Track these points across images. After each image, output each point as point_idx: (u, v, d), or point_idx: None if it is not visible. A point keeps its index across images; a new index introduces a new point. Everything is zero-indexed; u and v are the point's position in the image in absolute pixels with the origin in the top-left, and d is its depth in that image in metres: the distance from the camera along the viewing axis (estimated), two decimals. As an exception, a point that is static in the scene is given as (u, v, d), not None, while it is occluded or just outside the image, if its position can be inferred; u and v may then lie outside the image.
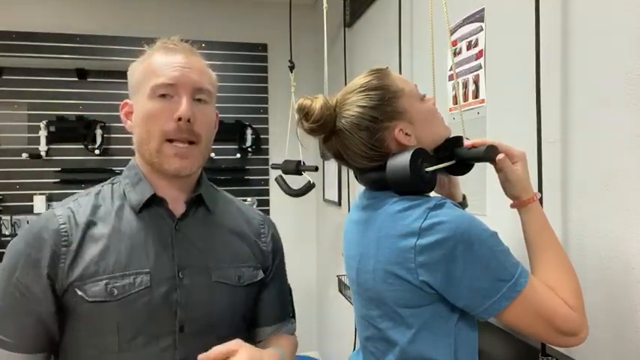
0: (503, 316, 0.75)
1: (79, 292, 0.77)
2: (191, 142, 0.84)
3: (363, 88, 0.86)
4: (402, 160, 0.80)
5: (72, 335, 0.81)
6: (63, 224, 0.80)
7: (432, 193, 0.88)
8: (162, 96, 0.82)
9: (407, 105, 0.85)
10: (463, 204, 1.00)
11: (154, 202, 0.86)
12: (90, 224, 0.82)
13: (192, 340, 0.82)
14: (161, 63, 0.83)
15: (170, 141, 0.82)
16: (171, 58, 0.84)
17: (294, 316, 1.04)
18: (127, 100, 0.88)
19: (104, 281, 0.78)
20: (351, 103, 0.85)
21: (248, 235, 0.95)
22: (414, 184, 0.81)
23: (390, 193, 0.84)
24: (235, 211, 0.97)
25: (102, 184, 0.90)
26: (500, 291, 0.73)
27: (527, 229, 0.83)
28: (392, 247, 0.79)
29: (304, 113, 0.86)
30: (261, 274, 0.94)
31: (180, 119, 0.80)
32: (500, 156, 0.82)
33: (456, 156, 0.89)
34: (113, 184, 0.89)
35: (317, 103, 0.85)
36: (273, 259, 0.99)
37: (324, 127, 0.86)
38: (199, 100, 0.85)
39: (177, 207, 0.87)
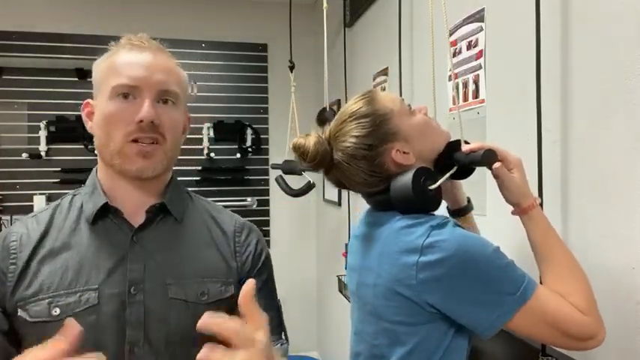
0: (512, 328, 0.75)
1: (21, 313, 0.72)
2: (155, 142, 0.78)
3: (352, 117, 0.86)
4: (405, 183, 0.81)
5: None
6: (13, 241, 0.77)
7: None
8: (125, 97, 0.76)
9: (399, 124, 0.85)
10: (468, 206, 0.99)
11: (110, 212, 0.79)
12: (41, 241, 0.77)
13: None
14: (124, 62, 0.77)
15: (134, 141, 0.76)
16: (135, 56, 0.78)
17: (286, 338, 0.92)
18: (89, 100, 0.83)
19: (47, 300, 0.72)
20: (345, 134, 0.86)
21: (220, 247, 0.86)
22: (422, 204, 0.81)
23: (395, 212, 0.84)
24: (209, 220, 0.88)
25: (65, 195, 0.85)
26: (505, 304, 0.73)
27: (532, 236, 0.82)
28: (394, 263, 0.78)
29: (300, 153, 0.86)
30: (232, 290, 0.82)
31: (141, 121, 0.75)
32: (496, 165, 0.82)
33: (456, 161, 0.89)
34: (74, 195, 0.84)
35: (310, 141, 0.86)
36: (251, 271, 0.87)
37: (323, 163, 0.87)
38: (165, 101, 0.79)
39: (137, 216, 0.80)
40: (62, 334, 0.54)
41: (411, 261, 0.75)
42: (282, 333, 0.91)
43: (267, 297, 0.89)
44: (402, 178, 0.82)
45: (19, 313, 0.73)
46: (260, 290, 0.87)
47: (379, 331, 0.83)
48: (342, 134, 0.86)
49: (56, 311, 0.72)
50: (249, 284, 0.59)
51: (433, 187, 0.82)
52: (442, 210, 0.90)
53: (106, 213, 0.79)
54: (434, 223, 0.77)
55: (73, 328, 0.55)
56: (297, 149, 0.87)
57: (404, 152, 0.84)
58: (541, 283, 0.81)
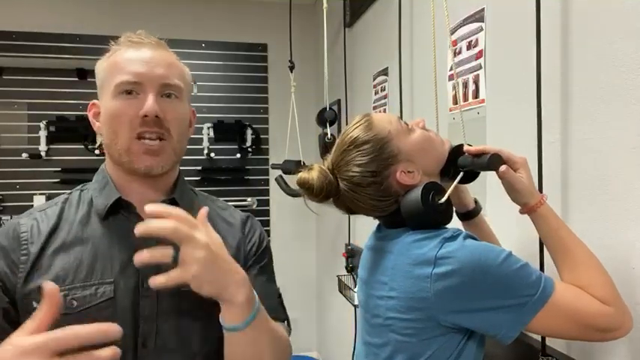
0: (535, 329, 0.75)
1: (36, 305, 0.70)
2: (161, 139, 0.79)
3: (353, 145, 0.86)
4: (414, 202, 0.81)
5: None
6: (24, 232, 0.77)
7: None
8: (129, 93, 0.77)
9: (399, 144, 0.85)
10: (476, 208, 0.99)
11: (122, 207, 0.81)
12: (52, 234, 0.78)
13: (156, 357, 0.76)
14: (125, 59, 0.79)
15: (139, 138, 0.77)
16: (135, 53, 0.79)
17: (288, 322, 0.92)
18: (95, 101, 0.84)
19: (62, 293, 0.72)
20: (348, 163, 0.86)
21: (228, 238, 0.87)
22: (434, 220, 0.82)
23: (407, 227, 0.85)
24: (214, 215, 0.89)
25: (71, 190, 0.86)
26: (525, 306, 0.73)
27: (543, 233, 0.82)
28: (407, 275, 0.78)
29: (306, 188, 0.87)
30: None
31: (146, 116, 0.76)
32: (502, 168, 0.82)
33: (461, 168, 0.88)
34: (82, 190, 0.86)
35: (313, 174, 0.86)
36: (255, 258, 0.90)
37: (330, 195, 0.87)
38: (169, 95, 0.80)
39: None
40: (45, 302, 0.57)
41: (425, 273, 0.75)
42: (285, 321, 0.91)
43: (267, 282, 0.91)
44: (411, 197, 0.82)
45: (34, 305, 0.72)
46: (259, 275, 0.89)
47: (390, 344, 0.82)
48: (345, 163, 0.86)
49: (73, 303, 0.73)
50: (203, 211, 0.71)
51: (442, 200, 0.83)
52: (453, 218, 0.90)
53: (118, 208, 0.80)
54: (446, 235, 0.77)
55: (53, 292, 0.58)
56: (303, 185, 0.87)
57: (408, 172, 0.84)
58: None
